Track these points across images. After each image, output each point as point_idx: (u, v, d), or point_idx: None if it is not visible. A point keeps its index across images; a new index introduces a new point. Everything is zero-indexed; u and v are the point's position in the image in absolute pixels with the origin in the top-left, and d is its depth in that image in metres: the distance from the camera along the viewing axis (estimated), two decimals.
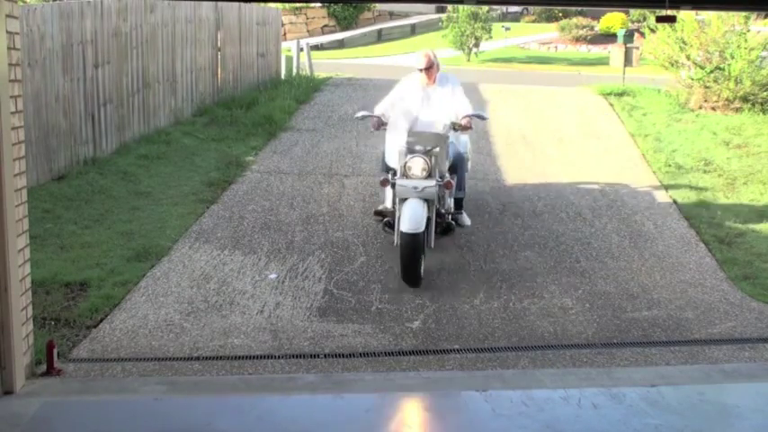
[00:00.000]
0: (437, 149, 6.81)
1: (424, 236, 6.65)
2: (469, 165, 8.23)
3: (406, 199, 6.69)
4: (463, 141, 7.94)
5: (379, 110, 7.60)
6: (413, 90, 7.60)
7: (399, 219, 6.67)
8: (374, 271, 7.19)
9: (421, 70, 7.51)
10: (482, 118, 7.67)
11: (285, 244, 7.85)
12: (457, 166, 7.47)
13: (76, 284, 6.66)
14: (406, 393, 5.00)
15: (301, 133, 12.53)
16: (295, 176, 10.20)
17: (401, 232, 6.56)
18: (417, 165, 6.75)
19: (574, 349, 5.76)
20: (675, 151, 11.61)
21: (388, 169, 7.30)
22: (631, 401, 4.65)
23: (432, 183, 6.68)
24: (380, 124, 7.44)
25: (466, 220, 7.75)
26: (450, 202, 7.49)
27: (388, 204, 7.28)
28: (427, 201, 6.70)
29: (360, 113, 7.66)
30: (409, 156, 6.78)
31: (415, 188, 6.65)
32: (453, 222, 7.38)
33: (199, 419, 4.48)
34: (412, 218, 6.52)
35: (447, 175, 7.04)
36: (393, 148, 7.18)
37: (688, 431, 4.39)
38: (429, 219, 6.70)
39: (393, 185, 6.90)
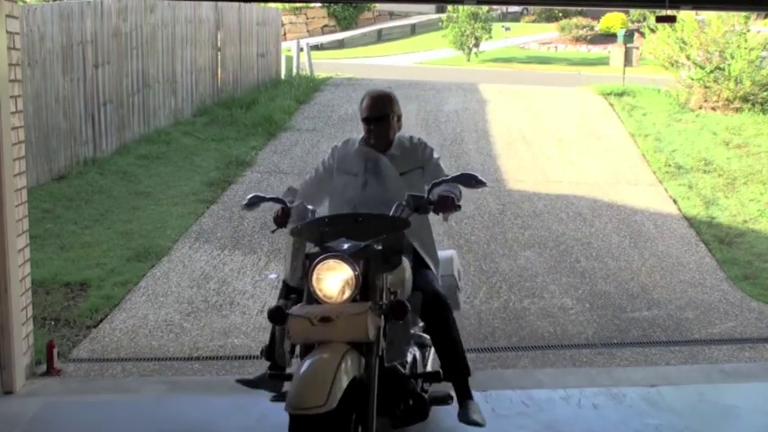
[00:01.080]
0: (378, 246, 3.42)
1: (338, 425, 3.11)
2: (462, 298, 4.64)
3: (311, 349, 3.21)
4: (446, 258, 4.46)
5: (290, 196, 4.01)
6: (350, 161, 4.09)
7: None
8: None
9: (367, 122, 4.07)
10: (476, 183, 3.79)
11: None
12: (434, 305, 3.87)
13: (76, 284, 6.66)
14: None
15: (301, 133, 12.53)
16: (295, 176, 10.20)
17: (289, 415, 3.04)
18: (333, 274, 3.29)
19: (574, 349, 5.76)
20: (675, 151, 11.61)
21: (289, 293, 3.69)
22: (631, 401, 4.65)
23: (361, 307, 3.25)
24: (286, 216, 3.87)
25: (474, 412, 3.94)
26: (419, 356, 3.97)
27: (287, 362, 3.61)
28: (358, 347, 3.22)
29: (248, 197, 4.04)
30: (318, 258, 3.33)
31: (324, 320, 3.19)
32: (425, 399, 3.73)
33: (199, 419, 4.47)
34: (308, 379, 3.03)
35: (401, 293, 3.58)
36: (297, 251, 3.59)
37: (688, 431, 4.39)
38: (364, 384, 3.22)
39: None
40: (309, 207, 3.83)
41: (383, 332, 3.34)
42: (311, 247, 3.48)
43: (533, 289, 6.90)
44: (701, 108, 14.01)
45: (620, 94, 15.37)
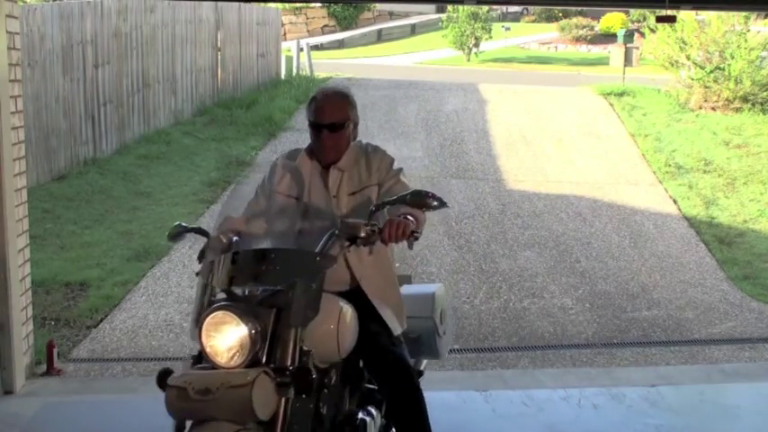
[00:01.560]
0: (294, 292, 2.65)
1: None
2: (447, 343, 3.71)
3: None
4: (424, 296, 3.58)
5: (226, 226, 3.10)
6: (290, 180, 3.22)
7: None
8: None
9: (317, 129, 3.18)
10: (434, 204, 2.86)
11: None
12: (386, 370, 3.08)
13: (76, 284, 6.66)
14: None
15: (301, 133, 12.52)
16: None
17: None
18: (225, 330, 2.57)
19: (574, 349, 5.76)
20: (675, 151, 11.61)
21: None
22: (631, 401, 4.65)
23: (244, 376, 2.48)
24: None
25: None
26: (375, 416, 3.13)
27: None
28: (260, 423, 2.50)
29: (172, 226, 3.19)
30: (208, 310, 2.65)
31: (203, 392, 2.47)
32: None
33: None
34: None
35: (311, 354, 2.70)
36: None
37: (688, 431, 4.39)
38: None
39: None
40: (234, 238, 2.98)
41: (291, 406, 2.54)
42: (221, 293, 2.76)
43: (533, 289, 6.90)
44: (701, 108, 14.00)
45: (620, 94, 15.35)
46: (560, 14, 31.27)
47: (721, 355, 5.74)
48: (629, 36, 21.40)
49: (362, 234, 2.81)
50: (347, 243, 2.84)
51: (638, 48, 19.52)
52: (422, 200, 2.83)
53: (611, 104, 14.75)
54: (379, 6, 31.83)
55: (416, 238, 2.85)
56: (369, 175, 3.18)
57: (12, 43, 4.68)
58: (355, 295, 3.05)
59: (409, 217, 2.85)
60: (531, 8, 33.51)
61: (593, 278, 7.17)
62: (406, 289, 3.45)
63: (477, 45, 24.95)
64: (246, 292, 2.72)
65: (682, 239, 8.32)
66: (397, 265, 3.48)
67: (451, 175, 10.40)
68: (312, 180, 3.18)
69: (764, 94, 13.62)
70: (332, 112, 3.15)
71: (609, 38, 27.15)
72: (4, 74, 4.55)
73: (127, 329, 5.91)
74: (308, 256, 2.77)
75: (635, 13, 27.04)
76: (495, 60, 25.11)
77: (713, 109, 13.86)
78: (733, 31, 14.21)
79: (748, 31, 14.25)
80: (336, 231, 2.83)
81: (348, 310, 2.93)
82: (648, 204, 9.47)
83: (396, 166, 3.24)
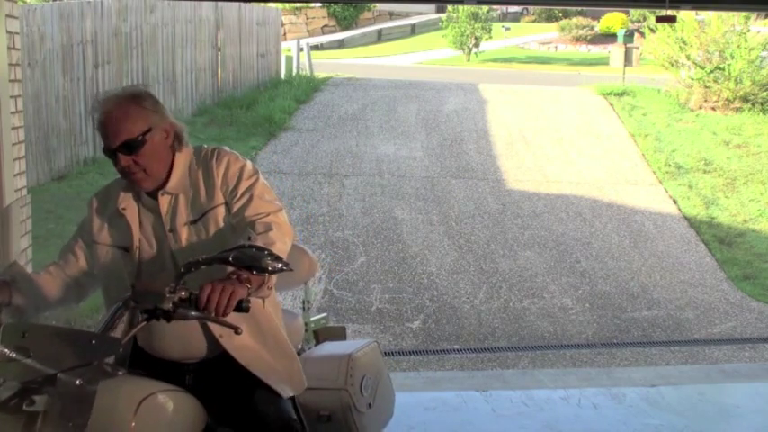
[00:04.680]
0: (73, 379, 1.93)
1: None
2: (375, 415, 2.81)
3: None
4: (342, 354, 2.75)
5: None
6: (113, 226, 2.52)
7: None
8: (374, 271, 7.20)
9: (111, 153, 2.34)
10: (265, 265, 1.98)
11: None
12: None
13: None
14: (406, 393, 5.00)
15: (301, 133, 12.53)
16: (295, 176, 10.20)
17: None
18: None
19: (574, 349, 5.76)
20: (675, 151, 11.62)
21: None
22: (631, 401, 4.65)
23: None
24: None
25: None
26: None
27: None
28: None
29: None
30: None
31: None
32: None
33: None
34: None
35: None
36: None
37: (688, 431, 4.39)
38: None
39: None
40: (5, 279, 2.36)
41: None
42: None
43: (533, 289, 6.90)
44: (700, 108, 14.01)
45: (620, 94, 15.36)
46: (560, 14, 31.28)
47: (721, 355, 5.74)
48: (629, 36, 21.39)
49: (166, 305, 2.01)
50: (144, 317, 2.06)
51: (638, 48, 19.52)
52: (251, 259, 1.98)
53: (611, 104, 14.75)
54: (379, 6, 31.82)
55: (247, 309, 2.00)
56: (212, 192, 2.38)
57: (12, 43, 4.68)
58: (220, 362, 2.35)
59: (243, 276, 2.02)
60: (531, 8, 33.50)
61: (593, 278, 7.18)
62: (321, 349, 2.87)
63: (477, 45, 24.96)
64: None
65: (682, 239, 8.32)
66: (324, 314, 3.14)
67: (451, 175, 10.40)
68: (142, 217, 2.42)
69: (764, 94, 13.63)
70: (120, 128, 2.31)
71: (609, 38, 27.15)
72: (4, 74, 4.55)
73: None
74: (79, 339, 2.00)
75: (635, 13, 27.06)
76: (495, 60, 25.11)
77: (713, 109, 13.87)
78: (733, 31, 14.21)
79: (748, 31, 14.26)
80: (129, 301, 2.09)
81: (159, 403, 2.12)
82: (648, 204, 9.48)
83: (249, 172, 2.41)
